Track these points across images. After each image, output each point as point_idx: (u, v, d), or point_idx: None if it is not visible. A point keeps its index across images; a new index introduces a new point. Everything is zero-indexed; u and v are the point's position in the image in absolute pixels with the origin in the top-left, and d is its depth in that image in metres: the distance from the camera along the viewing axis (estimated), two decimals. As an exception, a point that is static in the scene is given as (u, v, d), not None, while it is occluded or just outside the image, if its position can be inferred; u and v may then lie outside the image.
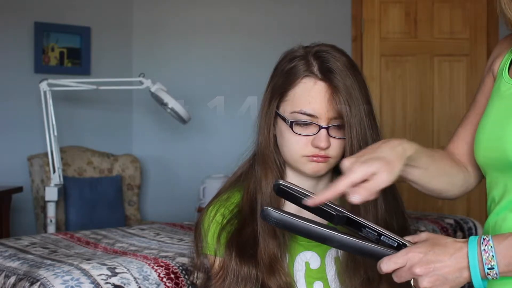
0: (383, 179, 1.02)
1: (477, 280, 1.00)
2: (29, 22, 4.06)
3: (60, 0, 4.24)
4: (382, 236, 1.06)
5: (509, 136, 1.07)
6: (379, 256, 1.05)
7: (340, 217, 1.07)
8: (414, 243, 1.06)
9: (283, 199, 1.32)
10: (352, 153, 1.26)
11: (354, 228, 1.08)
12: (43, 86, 3.48)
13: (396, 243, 1.06)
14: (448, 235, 2.73)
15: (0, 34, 3.96)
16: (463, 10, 4.40)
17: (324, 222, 1.09)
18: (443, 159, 1.22)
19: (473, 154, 1.18)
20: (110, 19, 4.43)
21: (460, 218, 2.94)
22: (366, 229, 1.07)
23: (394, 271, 1.04)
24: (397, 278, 1.04)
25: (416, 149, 1.11)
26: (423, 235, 1.08)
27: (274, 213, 1.04)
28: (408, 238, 1.08)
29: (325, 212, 1.07)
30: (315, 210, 1.08)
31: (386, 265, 1.03)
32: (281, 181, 1.09)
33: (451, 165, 1.23)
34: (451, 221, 2.85)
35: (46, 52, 4.14)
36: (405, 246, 1.06)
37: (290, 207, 1.19)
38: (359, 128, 1.26)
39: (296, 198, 1.08)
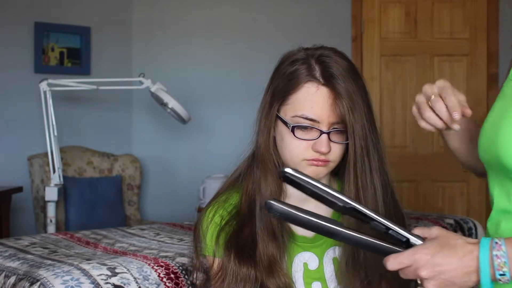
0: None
1: (486, 284, 0.98)
2: (29, 22, 4.05)
3: (60, 0, 4.24)
4: (390, 230, 1.04)
5: (501, 138, 1.05)
6: (384, 253, 1.03)
7: (347, 208, 1.05)
8: (424, 238, 1.04)
9: (283, 197, 1.33)
10: (355, 158, 1.27)
11: (362, 220, 1.06)
12: (43, 86, 3.48)
13: (405, 238, 1.04)
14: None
15: (0, 34, 3.96)
16: (463, 10, 4.40)
17: (329, 214, 1.06)
18: None
19: None
20: (110, 19, 4.43)
21: (460, 218, 2.93)
22: (375, 222, 1.05)
23: (400, 269, 1.02)
24: (403, 275, 1.03)
25: None
26: (434, 231, 1.04)
27: (277, 206, 1.03)
28: (417, 231, 1.05)
29: (332, 202, 1.05)
30: (321, 199, 1.06)
31: (392, 264, 1.01)
32: (286, 169, 1.06)
33: None
34: (451, 221, 2.84)
35: (46, 52, 4.13)
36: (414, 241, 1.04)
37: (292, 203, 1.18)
38: (362, 133, 1.27)
39: (302, 186, 1.06)
